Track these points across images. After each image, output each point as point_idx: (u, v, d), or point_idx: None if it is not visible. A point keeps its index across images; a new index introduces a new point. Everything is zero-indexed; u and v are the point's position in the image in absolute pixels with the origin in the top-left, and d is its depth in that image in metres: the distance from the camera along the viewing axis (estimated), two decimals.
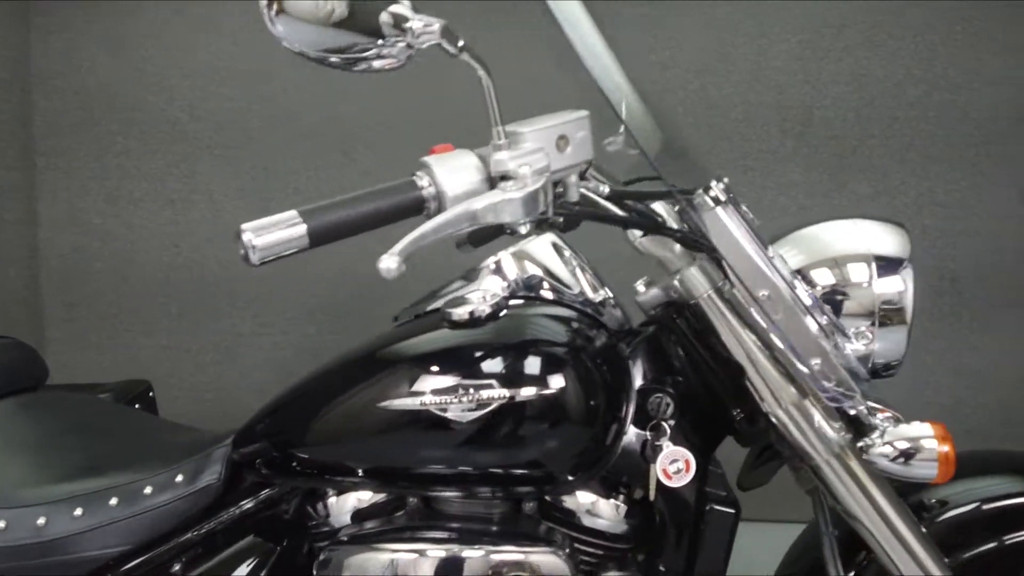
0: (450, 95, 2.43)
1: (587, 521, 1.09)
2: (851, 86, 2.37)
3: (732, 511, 1.08)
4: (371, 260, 0.86)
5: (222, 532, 1.17)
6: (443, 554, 1.04)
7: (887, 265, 1.04)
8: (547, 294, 1.10)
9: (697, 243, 1.01)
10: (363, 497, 1.13)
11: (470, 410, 0.99)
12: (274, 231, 0.85)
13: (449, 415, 1.00)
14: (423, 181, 0.91)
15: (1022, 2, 2.27)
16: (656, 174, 1.00)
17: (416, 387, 1.01)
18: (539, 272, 1.12)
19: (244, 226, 0.85)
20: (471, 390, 0.99)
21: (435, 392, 1.00)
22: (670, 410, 1.03)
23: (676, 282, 1.04)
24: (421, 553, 1.04)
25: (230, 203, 2.50)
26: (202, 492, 1.14)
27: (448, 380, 1.01)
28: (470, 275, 1.14)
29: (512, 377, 1.00)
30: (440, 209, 0.90)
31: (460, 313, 1.00)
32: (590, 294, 1.13)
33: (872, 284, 1.03)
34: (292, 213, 0.86)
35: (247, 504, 1.18)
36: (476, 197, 0.90)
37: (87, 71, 2.51)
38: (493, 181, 0.92)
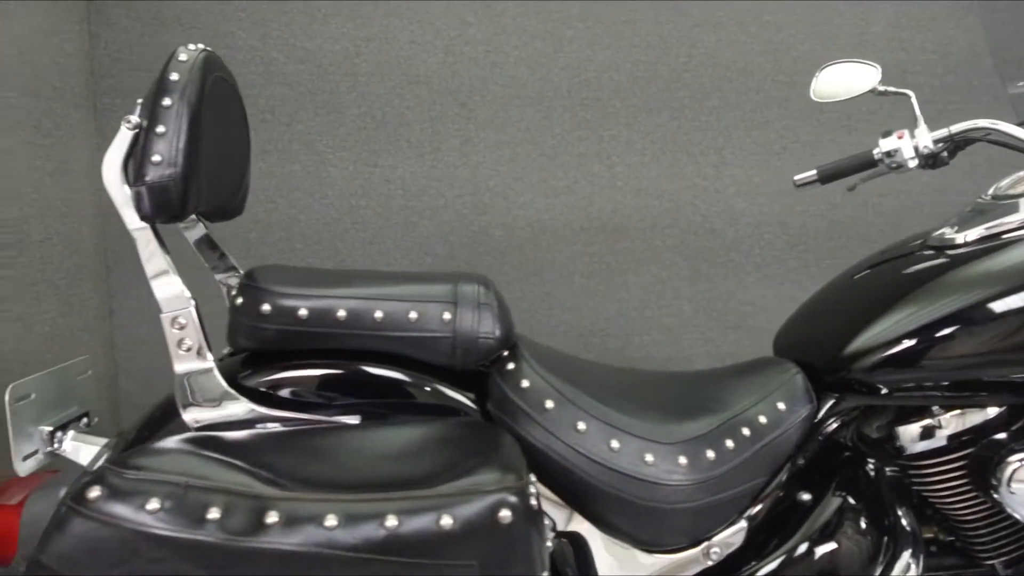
0: (566, 44, 2.34)
1: None
2: (937, 55, 2.55)
3: None
4: (497, 226, 0.84)
5: (813, 455, 1.23)
6: None
7: None
8: None
9: None
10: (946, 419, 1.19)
11: None
12: None
13: None
14: None
15: None
16: None
17: None
18: None
19: None
20: None
21: None
22: None
23: None
24: None
25: (334, 155, 2.27)
26: (805, 419, 1.19)
27: None
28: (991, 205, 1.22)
29: None
30: None
31: None
32: None
33: None
34: None
35: (829, 427, 1.25)
36: None
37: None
38: None
